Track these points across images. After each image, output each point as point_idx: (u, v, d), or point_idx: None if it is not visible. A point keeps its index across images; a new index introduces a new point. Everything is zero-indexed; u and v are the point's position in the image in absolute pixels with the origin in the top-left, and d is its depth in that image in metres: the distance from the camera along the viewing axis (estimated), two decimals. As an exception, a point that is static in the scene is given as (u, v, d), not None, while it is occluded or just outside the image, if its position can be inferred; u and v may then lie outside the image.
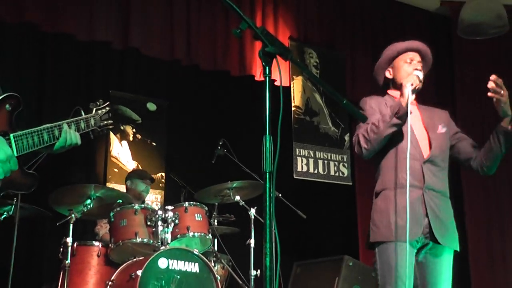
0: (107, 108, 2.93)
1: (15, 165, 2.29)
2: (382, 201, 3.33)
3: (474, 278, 7.61)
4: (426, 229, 3.28)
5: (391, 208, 3.26)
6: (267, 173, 2.21)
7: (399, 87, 3.43)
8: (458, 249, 3.37)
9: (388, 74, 3.55)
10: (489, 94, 3.20)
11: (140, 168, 6.89)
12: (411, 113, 3.29)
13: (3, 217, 5.24)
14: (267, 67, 2.32)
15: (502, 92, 3.20)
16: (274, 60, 2.35)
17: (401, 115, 3.23)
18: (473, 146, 3.55)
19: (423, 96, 8.42)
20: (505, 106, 3.25)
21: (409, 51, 3.54)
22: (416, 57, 3.53)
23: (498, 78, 3.19)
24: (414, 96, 3.38)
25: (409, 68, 3.46)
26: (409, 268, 3.20)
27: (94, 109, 2.86)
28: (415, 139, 3.37)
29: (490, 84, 3.19)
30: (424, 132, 3.42)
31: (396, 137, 3.31)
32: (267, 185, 2.20)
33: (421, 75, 3.38)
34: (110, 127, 2.94)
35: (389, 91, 3.58)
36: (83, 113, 2.85)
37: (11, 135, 2.28)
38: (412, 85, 3.29)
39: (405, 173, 3.23)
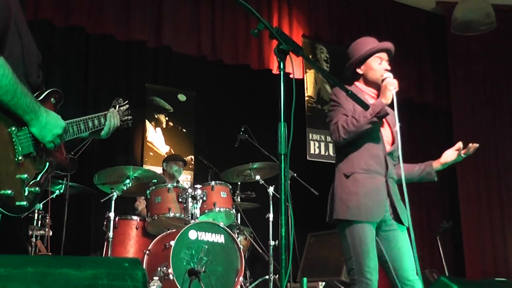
0: (127, 105, 3.05)
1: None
2: (353, 183, 3.28)
3: (466, 245, 7.66)
4: (388, 210, 3.29)
5: (361, 191, 3.24)
6: (282, 155, 2.21)
7: (369, 83, 3.46)
8: (407, 225, 3.33)
9: (359, 70, 3.51)
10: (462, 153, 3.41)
11: (173, 152, 6.93)
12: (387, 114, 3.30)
13: (55, 194, 5.32)
14: (281, 63, 2.30)
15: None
16: (288, 56, 2.32)
17: (381, 115, 3.23)
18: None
19: (423, 86, 8.39)
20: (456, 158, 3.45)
21: (381, 51, 3.50)
22: (385, 56, 3.49)
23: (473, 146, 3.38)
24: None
25: (380, 68, 3.43)
26: (373, 242, 3.21)
27: (117, 106, 2.97)
28: (381, 134, 3.37)
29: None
30: (388, 128, 3.41)
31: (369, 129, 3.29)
32: (282, 166, 2.20)
33: (391, 75, 3.37)
34: (131, 122, 3.06)
35: (356, 83, 3.54)
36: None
37: None
38: (394, 89, 3.27)
39: (373, 161, 3.27)
